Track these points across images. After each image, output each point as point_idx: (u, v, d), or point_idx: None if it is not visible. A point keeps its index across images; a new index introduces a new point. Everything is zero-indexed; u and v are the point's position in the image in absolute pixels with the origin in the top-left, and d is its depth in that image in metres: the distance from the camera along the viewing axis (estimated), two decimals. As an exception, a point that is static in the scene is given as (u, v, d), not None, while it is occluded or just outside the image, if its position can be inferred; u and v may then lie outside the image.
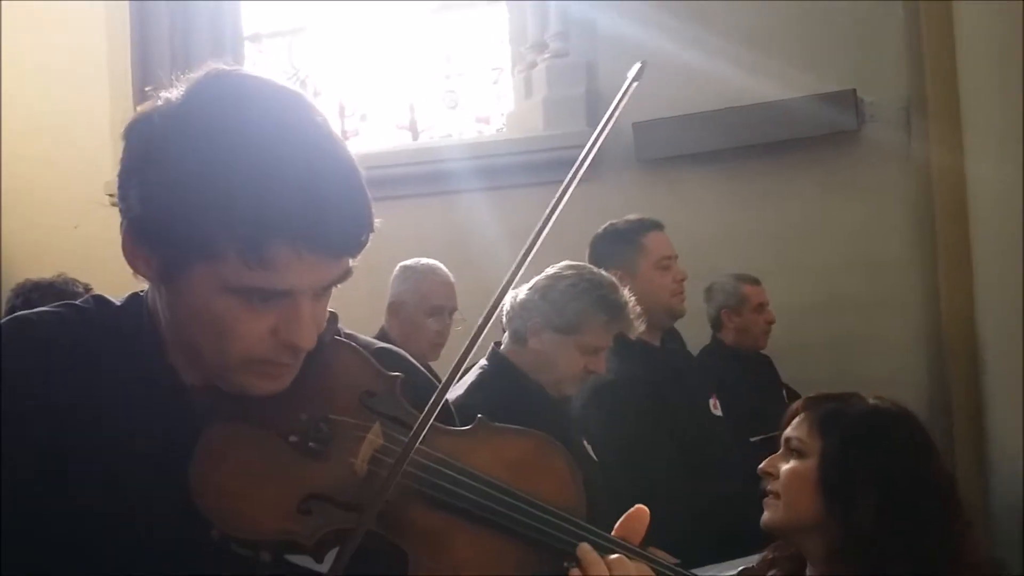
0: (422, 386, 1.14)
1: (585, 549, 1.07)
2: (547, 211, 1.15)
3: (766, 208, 4.61)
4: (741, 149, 4.59)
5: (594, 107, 4.83)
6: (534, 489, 1.10)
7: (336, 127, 1.08)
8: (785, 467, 1.70)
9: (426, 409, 1.05)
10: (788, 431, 1.74)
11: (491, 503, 1.07)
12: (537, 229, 1.13)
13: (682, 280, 3.05)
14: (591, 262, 3.09)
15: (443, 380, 1.07)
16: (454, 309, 3.55)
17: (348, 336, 1.24)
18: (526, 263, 1.12)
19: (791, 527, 1.68)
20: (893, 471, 1.62)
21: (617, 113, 1.19)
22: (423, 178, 4.87)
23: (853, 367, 4.30)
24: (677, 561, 1.21)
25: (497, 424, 1.19)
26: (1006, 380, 3.88)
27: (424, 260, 3.62)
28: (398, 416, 1.13)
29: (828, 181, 4.59)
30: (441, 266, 3.59)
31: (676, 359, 3.18)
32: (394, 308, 3.55)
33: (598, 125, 1.12)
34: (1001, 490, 3.91)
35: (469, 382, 2.55)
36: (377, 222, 1.07)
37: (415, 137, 5.50)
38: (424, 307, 3.52)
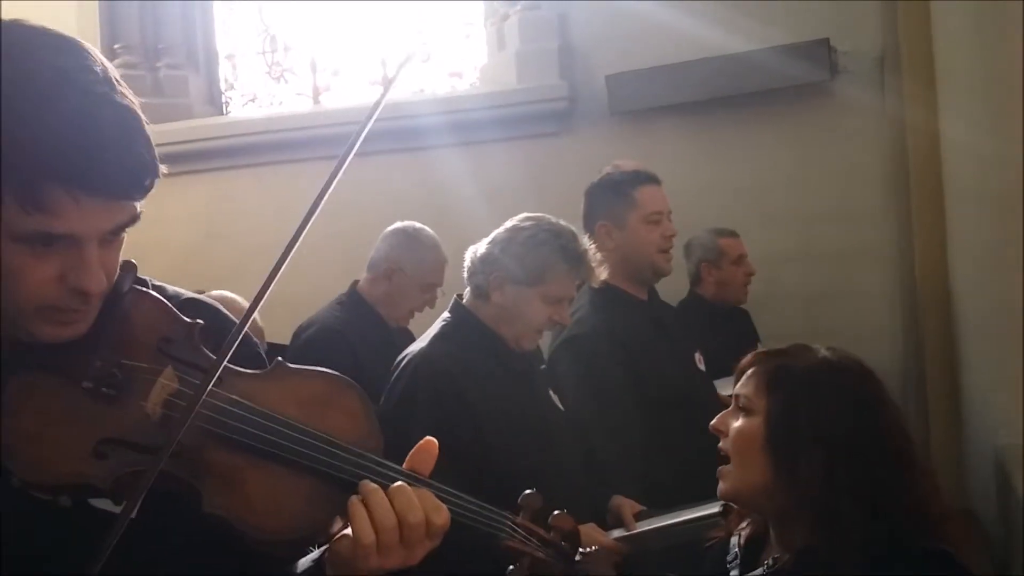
0: (228, 333, 1.13)
1: (364, 481, 1.12)
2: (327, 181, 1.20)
3: (740, 160, 4.61)
4: (715, 101, 4.57)
5: (567, 60, 4.79)
6: (327, 426, 1.14)
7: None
8: (734, 426, 1.65)
9: (219, 352, 1.08)
10: (738, 387, 1.70)
11: (279, 439, 1.11)
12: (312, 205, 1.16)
13: (671, 236, 3.01)
14: (585, 211, 3.07)
15: (240, 325, 1.10)
16: (440, 285, 3.59)
17: (156, 287, 1.26)
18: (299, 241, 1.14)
19: (744, 491, 1.64)
20: (839, 427, 1.56)
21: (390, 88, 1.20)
22: (395, 134, 4.82)
23: (827, 318, 4.34)
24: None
25: (294, 366, 1.21)
26: (978, 329, 3.93)
27: (427, 231, 3.61)
28: (194, 361, 1.15)
29: (802, 132, 4.59)
30: (440, 242, 3.60)
31: (663, 312, 3.17)
32: (388, 271, 3.53)
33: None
34: (975, 441, 3.97)
35: (432, 334, 2.55)
36: (163, 168, 1.08)
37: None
38: (421, 281, 3.55)
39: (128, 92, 1.07)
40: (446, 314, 2.61)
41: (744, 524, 1.76)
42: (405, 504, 1.11)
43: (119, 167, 1.03)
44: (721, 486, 1.67)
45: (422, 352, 2.49)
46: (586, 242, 2.55)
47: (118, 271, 1.15)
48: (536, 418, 2.49)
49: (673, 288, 3.97)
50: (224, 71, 5.67)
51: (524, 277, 2.47)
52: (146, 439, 1.08)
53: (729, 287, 4.18)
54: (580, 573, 1.25)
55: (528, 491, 1.29)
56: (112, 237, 1.09)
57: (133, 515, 1.00)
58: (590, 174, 3.27)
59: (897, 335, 4.46)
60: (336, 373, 1.23)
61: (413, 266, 3.53)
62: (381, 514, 1.10)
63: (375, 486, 1.12)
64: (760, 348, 2.12)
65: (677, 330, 3.14)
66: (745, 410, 1.65)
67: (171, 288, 1.29)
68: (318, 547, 1.21)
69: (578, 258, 2.50)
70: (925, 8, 4.13)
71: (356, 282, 3.63)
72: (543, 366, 2.96)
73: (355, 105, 5.21)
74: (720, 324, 4.06)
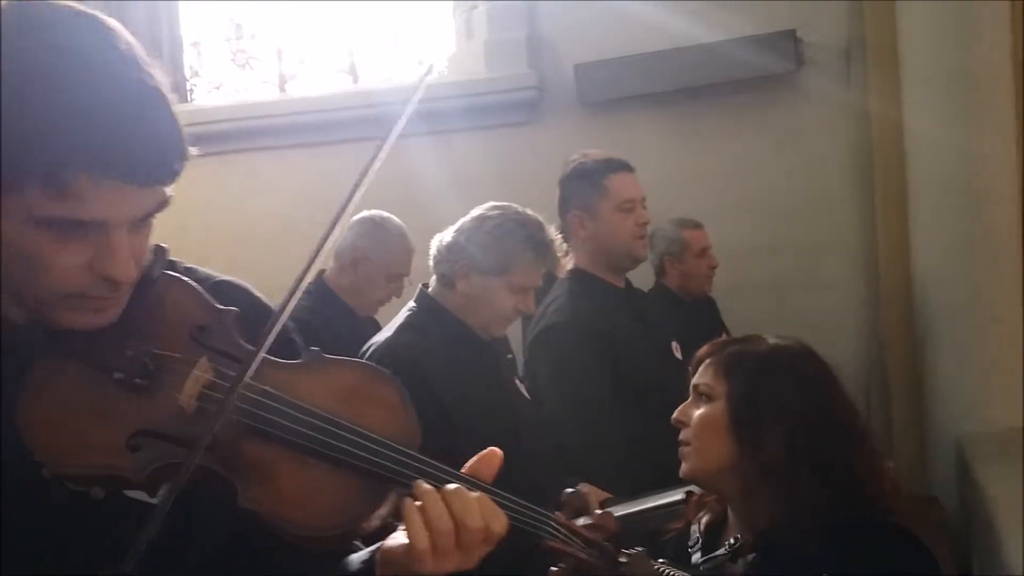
0: (263, 318, 1.10)
1: (419, 482, 1.09)
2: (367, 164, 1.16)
3: (708, 150, 4.64)
4: (683, 91, 4.60)
5: (536, 49, 4.79)
6: (364, 419, 1.11)
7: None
8: (696, 414, 1.72)
9: (256, 344, 1.05)
10: (696, 378, 1.77)
11: (317, 434, 1.08)
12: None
13: (644, 224, 3.00)
14: (559, 200, 3.07)
15: (277, 315, 1.07)
16: (407, 275, 3.58)
17: (187, 270, 1.22)
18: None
19: (707, 472, 1.70)
20: (796, 405, 1.65)
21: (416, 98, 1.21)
22: (364, 122, 4.80)
23: (793, 308, 4.38)
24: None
25: (330, 356, 1.18)
26: (940, 320, 3.99)
27: (394, 220, 3.59)
28: (229, 351, 1.12)
29: (768, 123, 4.62)
30: (407, 231, 3.59)
31: (639, 301, 3.17)
32: (355, 261, 3.52)
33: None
34: (936, 430, 4.03)
35: (398, 323, 2.55)
36: (193, 151, 1.05)
37: (355, 80, 5.41)
38: (388, 271, 3.54)
39: (155, 72, 1.04)
40: (412, 303, 2.61)
41: (703, 512, 1.82)
42: (463, 508, 1.07)
43: (146, 151, 1.00)
44: (684, 467, 1.73)
45: (387, 342, 2.48)
46: (552, 232, 2.55)
47: (149, 256, 1.11)
48: (503, 407, 2.49)
49: (639, 278, 4.00)
50: (189, 58, 5.61)
51: (490, 266, 2.47)
52: (180, 431, 1.05)
53: (692, 279, 4.19)
54: (624, 574, 1.23)
55: (569, 490, 1.27)
56: (141, 223, 1.06)
57: (168, 508, 0.98)
58: (559, 163, 3.27)
59: (861, 325, 4.51)
60: (373, 364, 1.21)
61: (379, 255, 3.52)
62: (437, 518, 1.06)
63: (430, 488, 1.08)
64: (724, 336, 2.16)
65: (654, 318, 3.14)
66: (706, 397, 1.73)
67: (202, 270, 1.25)
68: (363, 543, 1.19)
69: (544, 247, 2.50)
70: (890, 1, 4.17)
71: (323, 271, 3.61)
72: (510, 356, 2.97)
73: (322, 94, 5.18)
74: (686, 314, 4.07)
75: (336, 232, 1.10)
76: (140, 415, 1.06)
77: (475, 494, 1.10)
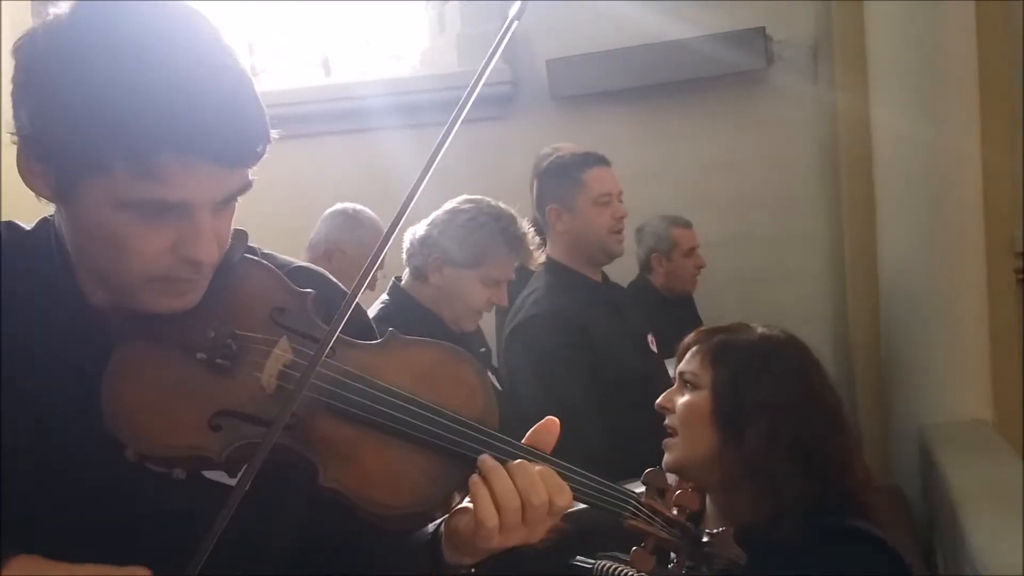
0: (338, 302, 1.11)
1: (484, 458, 1.09)
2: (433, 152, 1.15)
3: (678, 145, 4.67)
4: (654, 87, 4.63)
5: (509, 44, 4.73)
6: (443, 399, 1.11)
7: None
8: (680, 402, 1.72)
9: (332, 323, 1.06)
10: (681, 365, 1.77)
11: (398, 413, 1.08)
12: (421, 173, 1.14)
13: (621, 218, 3.02)
14: (535, 194, 3.08)
15: (352, 295, 1.08)
16: (381, 268, 3.56)
17: (265, 256, 1.23)
18: (409, 207, 1.13)
19: (691, 461, 1.69)
20: (781, 396, 1.66)
21: (499, 52, 1.19)
22: (337, 116, 4.80)
23: (760, 301, 4.42)
24: None
25: (408, 337, 1.19)
26: (904, 309, 4.05)
27: (366, 211, 3.58)
28: (308, 332, 1.12)
29: (738, 119, 4.66)
30: (381, 223, 3.58)
31: (616, 294, 3.19)
32: (329, 252, 3.51)
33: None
34: (899, 420, 4.09)
35: (371, 317, 2.55)
36: (274, 134, 1.06)
37: (328, 74, 5.40)
38: (361, 262, 3.50)
39: (237, 55, 1.05)
40: (384, 296, 2.61)
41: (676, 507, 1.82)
42: (528, 484, 1.07)
43: (232, 133, 1.00)
44: (667, 457, 1.72)
45: None
46: (526, 225, 2.57)
47: (229, 240, 1.12)
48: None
49: (621, 271, 4.02)
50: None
51: (463, 259, 2.48)
52: (261, 411, 1.05)
53: (678, 278, 4.21)
54: (707, 554, 1.20)
55: (651, 468, 1.25)
56: (224, 205, 1.06)
57: (247, 487, 0.99)
58: (532, 158, 3.30)
59: (828, 316, 4.57)
60: (451, 345, 1.20)
61: (353, 247, 3.50)
62: (504, 493, 1.07)
63: (496, 464, 1.08)
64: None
65: (630, 312, 3.16)
66: (691, 385, 1.72)
67: (280, 257, 1.27)
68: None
69: (517, 241, 2.52)
70: (858, 0, 4.23)
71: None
72: (483, 349, 2.98)
73: (294, 87, 5.17)
74: (666, 309, 4.09)
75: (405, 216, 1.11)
76: (221, 395, 1.06)
77: (537, 467, 1.10)
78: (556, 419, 1.17)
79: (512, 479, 1.07)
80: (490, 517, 1.06)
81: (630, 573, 1.21)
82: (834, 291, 4.60)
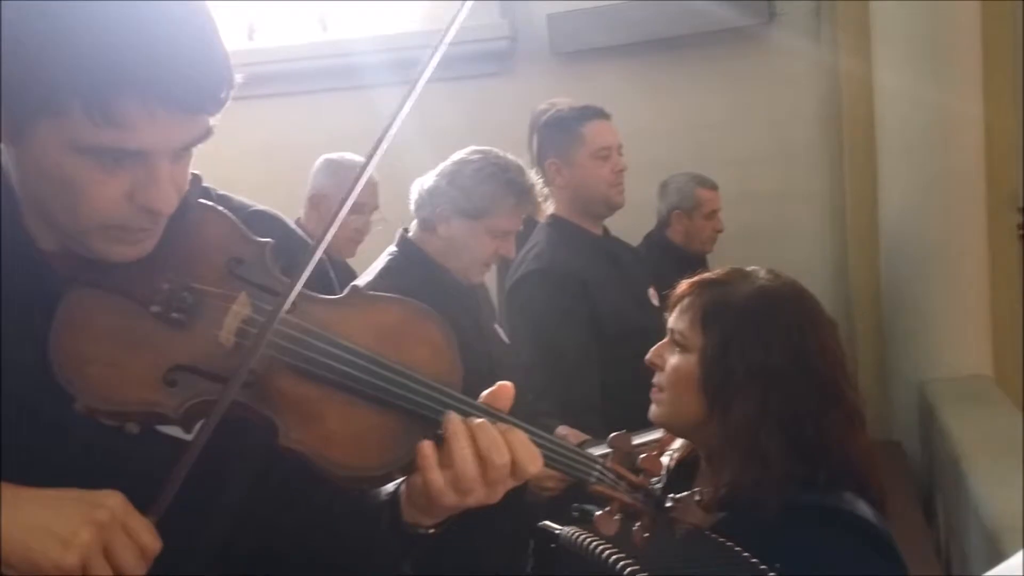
0: (297, 251, 1.07)
1: (450, 416, 1.05)
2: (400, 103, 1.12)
3: (679, 101, 4.65)
4: (656, 42, 4.59)
5: (508, -1, 4.75)
6: (407, 358, 1.07)
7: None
8: (670, 362, 1.62)
9: (292, 276, 1.03)
10: (672, 321, 1.65)
11: (359, 373, 1.05)
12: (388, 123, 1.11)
13: (621, 171, 2.99)
14: (535, 149, 3.07)
15: (315, 248, 1.04)
16: (375, 207, 3.53)
17: (220, 198, 1.18)
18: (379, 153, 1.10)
19: (677, 422, 1.61)
20: (774, 362, 1.53)
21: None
22: (335, 72, 4.76)
23: (761, 257, 4.36)
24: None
25: (372, 292, 1.16)
26: (905, 266, 4.05)
27: (350, 155, 3.56)
28: (267, 284, 1.08)
29: (739, 76, 4.63)
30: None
31: (617, 248, 3.17)
32: (315, 200, 3.50)
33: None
34: (900, 374, 4.11)
35: (379, 268, 2.55)
36: (238, 78, 1.02)
37: (324, 29, 5.34)
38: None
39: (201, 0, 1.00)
40: (392, 248, 2.61)
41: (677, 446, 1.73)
42: (490, 443, 1.04)
43: (195, 78, 0.95)
44: (654, 410, 1.64)
45: (368, 287, 2.49)
46: (533, 176, 2.56)
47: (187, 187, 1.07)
48: (481, 354, 2.51)
49: (637, 224, 3.98)
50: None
51: (471, 210, 2.47)
52: (219, 368, 1.02)
53: (696, 239, 4.16)
54: (671, 519, 1.18)
55: (617, 432, 1.21)
56: (183, 153, 1.02)
57: (202, 445, 0.96)
58: (530, 114, 3.27)
59: (828, 275, 4.57)
60: (416, 302, 1.15)
61: (335, 189, 3.44)
62: (463, 453, 1.03)
63: (460, 423, 1.04)
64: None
65: (631, 265, 3.16)
66: (680, 346, 1.62)
67: (236, 198, 1.21)
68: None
69: (525, 192, 2.50)
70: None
71: (297, 220, 3.60)
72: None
73: (290, 43, 5.11)
74: (678, 265, 4.04)
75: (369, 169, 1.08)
76: (177, 350, 1.03)
77: (512, 431, 1.06)
78: (510, 383, 1.13)
79: (474, 439, 1.04)
80: (436, 477, 1.03)
81: (596, 543, 1.17)
82: (835, 248, 4.60)
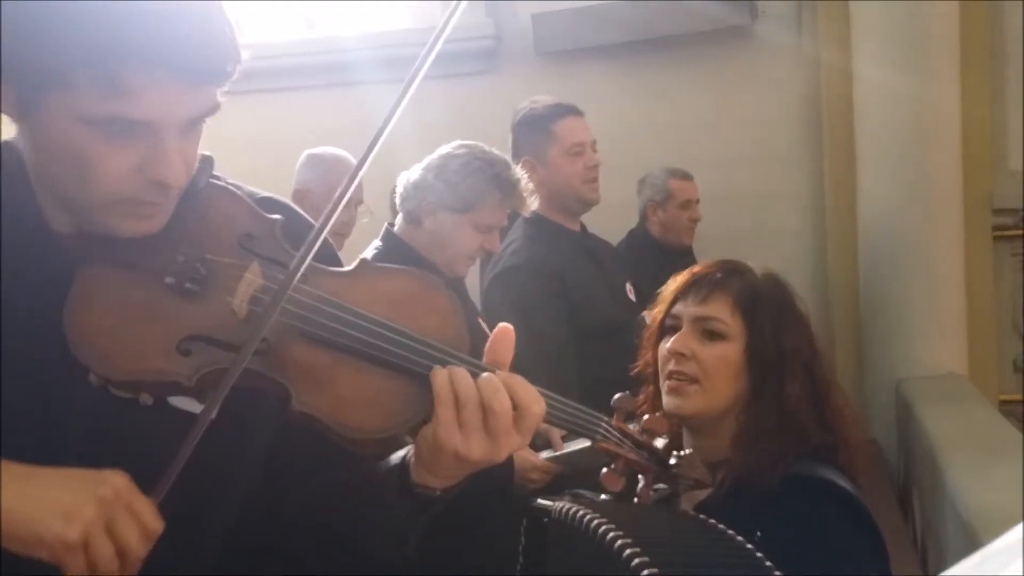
0: (305, 232, 1.09)
1: (443, 373, 1.06)
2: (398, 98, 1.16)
3: (664, 102, 4.68)
4: (640, 43, 4.62)
5: (493, -2, 4.77)
6: (416, 325, 1.10)
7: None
8: (708, 352, 1.59)
9: (303, 247, 1.05)
10: (699, 310, 1.62)
11: (370, 337, 1.07)
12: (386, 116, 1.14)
13: (595, 167, 3.02)
14: (512, 147, 3.09)
15: (323, 221, 1.07)
16: (360, 201, 3.54)
17: (231, 184, 1.21)
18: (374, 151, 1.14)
19: (712, 413, 1.60)
20: (805, 341, 1.62)
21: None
22: (320, 69, 4.77)
23: (741, 255, 4.41)
24: None
25: (380, 264, 1.19)
26: (883, 264, 4.10)
27: (331, 149, 3.57)
28: (277, 257, 1.11)
29: (723, 76, 4.67)
30: (349, 156, 3.55)
31: (594, 244, 3.19)
32: (299, 196, 3.51)
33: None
34: (877, 372, 4.16)
35: None
36: (245, 56, 1.03)
37: (310, 26, 5.36)
38: (330, 197, 3.48)
39: None
40: (377, 242, 2.62)
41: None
42: (491, 391, 1.05)
43: (202, 49, 0.97)
44: (681, 402, 1.60)
45: None
46: (519, 171, 2.57)
47: (196, 164, 1.09)
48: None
49: (621, 221, 4.05)
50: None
51: (456, 204, 2.48)
52: (232, 337, 1.04)
53: (672, 229, 4.20)
54: (674, 475, 1.21)
55: (620, 394, 1.26)
56: (191, 127, 1.03)
57: (214, 415, 0.98)
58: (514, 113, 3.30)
59: (807, 274, 4.61)
60: (424, 272, 1.19)
61: (319, 183, 3.46)
62: (464, 392, 1.05)
63: (462, 371, 1.06)
64: None
65: (609, 261, 3.18)
66: (719, 334, 1.61)
67: (246, 187, 1.23)
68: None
69: (511, 187, 2.51)
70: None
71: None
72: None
73: (275, 40, 5.13)
74: (661, 261, 4.06)
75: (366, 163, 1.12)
76: (191, 320, 1.05)
77: (511, 377, 1.08)
78: (510, 326, 1.16)
79: (477, 388, 1.05)
80: (447, 408, 1.04)
81: (588, 515, 1.20)
82: (814, 247, 4.65)
